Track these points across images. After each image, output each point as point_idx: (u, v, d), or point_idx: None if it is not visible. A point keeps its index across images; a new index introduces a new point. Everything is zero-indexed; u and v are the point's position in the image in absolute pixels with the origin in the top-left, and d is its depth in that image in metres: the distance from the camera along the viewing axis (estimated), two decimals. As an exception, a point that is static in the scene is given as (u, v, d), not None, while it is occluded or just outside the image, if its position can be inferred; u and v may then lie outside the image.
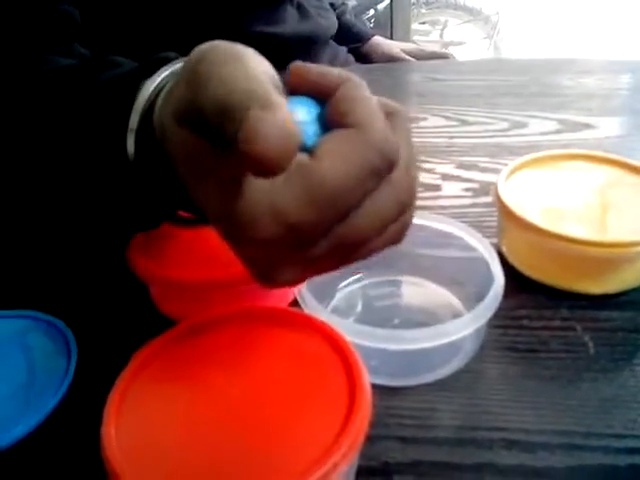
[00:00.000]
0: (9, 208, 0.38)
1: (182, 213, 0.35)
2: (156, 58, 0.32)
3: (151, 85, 0.30)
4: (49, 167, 0.34)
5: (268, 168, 0.21)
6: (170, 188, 0.31)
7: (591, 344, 0.40)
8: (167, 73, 0.31)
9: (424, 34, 2.81)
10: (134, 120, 0.30)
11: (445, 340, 0.34)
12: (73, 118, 0.33)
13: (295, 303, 0.38)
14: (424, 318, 0.43)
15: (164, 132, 0.26)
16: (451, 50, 1.37)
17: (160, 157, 0.29)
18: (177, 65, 0.31)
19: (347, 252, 0.26)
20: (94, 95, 0.33)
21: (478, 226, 0.44)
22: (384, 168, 0.24)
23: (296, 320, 0.34)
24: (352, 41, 1.02)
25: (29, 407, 0.35)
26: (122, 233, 0.40)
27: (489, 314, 0.36)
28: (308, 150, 0.24)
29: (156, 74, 0.31)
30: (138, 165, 0.31)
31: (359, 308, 0.44)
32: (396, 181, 0.25)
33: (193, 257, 0.40)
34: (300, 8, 0.84)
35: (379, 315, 0.44)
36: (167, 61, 0.31)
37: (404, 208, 0.26)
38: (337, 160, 0.23)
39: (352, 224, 0.24)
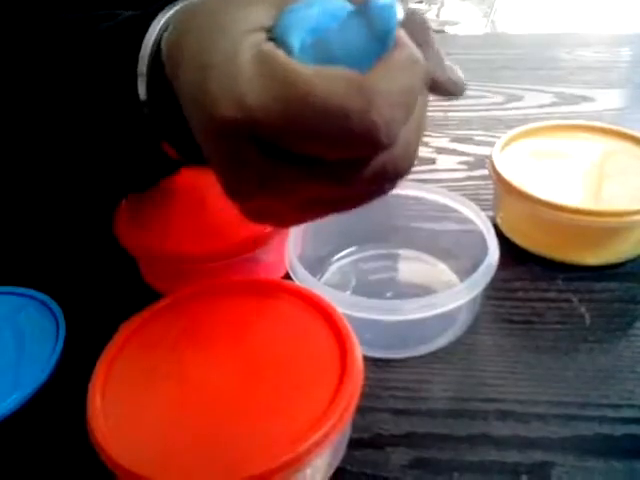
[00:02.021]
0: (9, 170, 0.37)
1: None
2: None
3: (157, 25, 0.29)
4: (56, 118, 0.33)
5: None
6: (184, 135, 0.30)
7: (587, 315, 0.39)
8: (172, 12, 0.30)
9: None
10: (142, 64, 0.29)
11: (439, 310, 0.34)
12: (79, 67, 0.32)
13: (287, 277, 0.38)
14: (419, 291, 0.43)
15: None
16: (448, 29, 1.35)
17: (172, 98, 0.28)
18: (184, 3, 0.30)
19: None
20: (100, 42, 0.32)
21: (474, 199, 0.43)
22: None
23: (288, 292, 0.34)
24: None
25: (18, 382, 0.34)
26: (135, 182, 0.38)
27: (483, 284, 0.35)
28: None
29: (161, 13, 0.30)
30: (151, 108, 0.30)
31: (353, 282, 0.43)
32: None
33: (182, 229, 0.39)
34: None
35: (373, 288, 0.43)
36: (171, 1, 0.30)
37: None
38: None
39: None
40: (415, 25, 0.25)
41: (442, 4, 2.88)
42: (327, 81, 0.21)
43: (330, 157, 0.23)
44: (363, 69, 0.22)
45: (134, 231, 0.40)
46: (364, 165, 0.23)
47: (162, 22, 0.29)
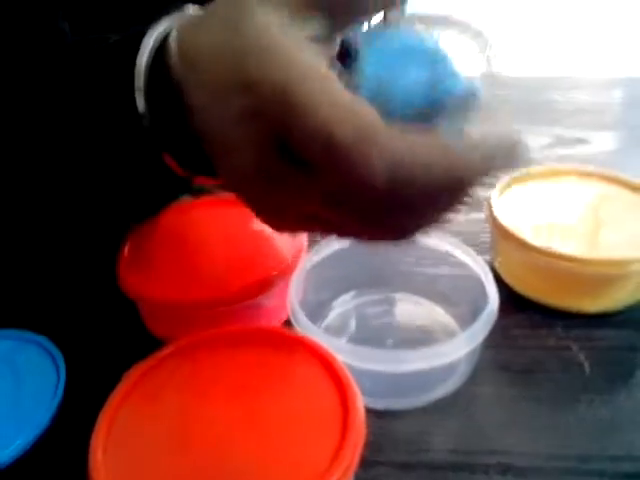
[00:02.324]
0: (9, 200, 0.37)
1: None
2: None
3: (150, 38, 0.30)
4: (56, 137, 0.33)
5: None
6: (186, 143, 0.31)
7: (587, 364, 0.39)
8: (168, 23, 0.30)
9: (416, 47, 2.83)
10: (139, 78, 0.30)
11: (440, 361, 0.34)
12: (76, 85, 0.32)
13: (288, 323, 0.38)
14: (419, 337, 0.43)
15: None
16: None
17: (174, 111, 0.29)
18: (178, 15, 0.31)
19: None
20: (97, 60, 0.32)
21: (472, 241, 0.43)
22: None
23: (288, 341, 0.34)
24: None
25: (17, 430, 0.34)
26: (139, 204, 0.38)
27: (483, 334, 0.35)
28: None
29: (155, 27, 0.30)
30: (151, 120, 0.30)
31: (353, 327, 0.43)
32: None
33: (185, 276, 0.39)
34: None
35: (373, 334, 0.43)
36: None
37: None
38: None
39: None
40: None
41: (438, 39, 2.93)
42: (346, 115, 0.23)
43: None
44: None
45: (135, 277, 0.40)
46: (357, 204, 0.25)
47: (157, 33, 0.30)
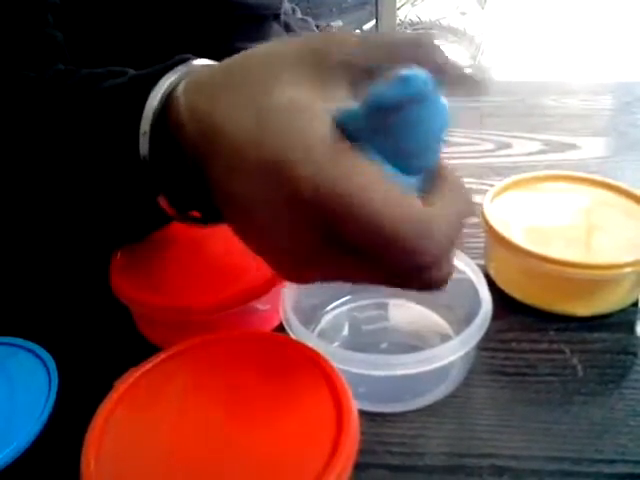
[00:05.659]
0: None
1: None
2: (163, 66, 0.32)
3: (159, 91, 0.30)
4: (52, 172, 0.34)
5: None
6: (183, 186, 0.32)
7: (580, 367, 0.39)
8: (180, 73, 0.31)
9: (409, 54, 2.84)
10: (145, 124, 0.30)
11: (433, 365, 0.34)
12: (78, 124, 0.33)
13: (281, 328, 0.38)
14: (412, 341, 0.43)
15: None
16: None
17: (173, 158, 0.30)
18: (186, 67, 0.31)
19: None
20: (102, 101, 0.33)
21: (465, 247, 0.43)
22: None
23: (282, 346, 0.34)
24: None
25: (9, 437, 0.34)
26: (130, 235, 0.39)
27: (477, 338, 0.36)
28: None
29: (166, 76, 0.31)
30: (151, 166, 0.31)
31: (346, 332, 0.43)
32: None
33: (178, 281, 0.39)
34: (287, 27, 0.84)
35: (367, 339, 0.43)
36: (173, 66, 0.32)
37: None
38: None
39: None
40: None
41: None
42: (401, 210, 0.24)
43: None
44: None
45: (129, 282, 0.40)
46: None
47: (168, 83, 0.31)
